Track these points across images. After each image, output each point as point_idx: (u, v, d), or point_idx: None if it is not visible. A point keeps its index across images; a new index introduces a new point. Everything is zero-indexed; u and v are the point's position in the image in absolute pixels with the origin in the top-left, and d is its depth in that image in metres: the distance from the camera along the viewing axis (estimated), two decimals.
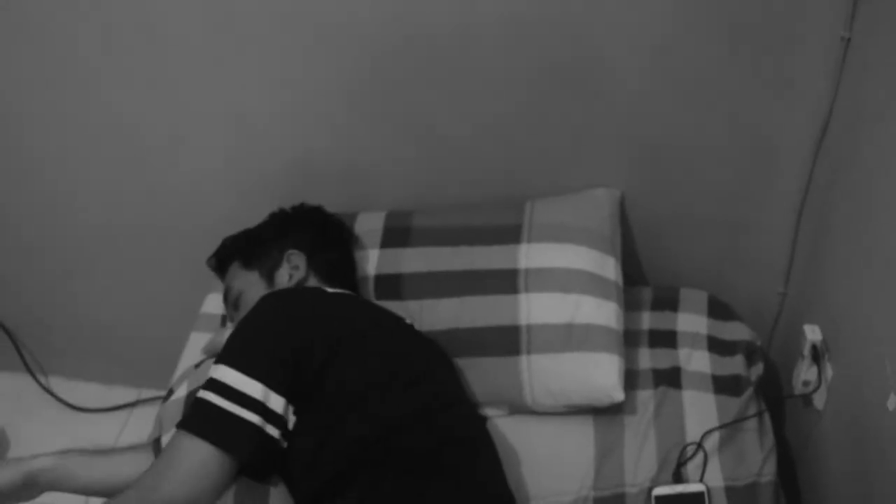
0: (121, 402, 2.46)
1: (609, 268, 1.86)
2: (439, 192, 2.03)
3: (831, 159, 1.86)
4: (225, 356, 1.48)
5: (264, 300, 1.57)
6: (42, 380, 2.52)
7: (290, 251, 1.77)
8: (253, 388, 1.44)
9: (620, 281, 1.87)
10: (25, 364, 2.50)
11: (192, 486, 1.40)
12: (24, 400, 2.49)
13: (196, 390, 1.53)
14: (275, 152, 2.04)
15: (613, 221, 1.94)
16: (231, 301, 1.78)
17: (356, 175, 2.04)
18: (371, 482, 1.43)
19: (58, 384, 2.49)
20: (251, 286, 1.75)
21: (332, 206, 1.93)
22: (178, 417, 1.58)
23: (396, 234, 1.94)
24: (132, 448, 1.66)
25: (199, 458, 1.41)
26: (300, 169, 2.05)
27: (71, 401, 2.46)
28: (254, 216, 1.93)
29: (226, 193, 2.12)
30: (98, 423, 2.42)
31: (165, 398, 1.73)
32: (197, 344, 1.91)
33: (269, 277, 1.76)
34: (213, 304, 2.01)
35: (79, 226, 2.25)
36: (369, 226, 1.97)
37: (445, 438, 1.52)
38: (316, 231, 1.84)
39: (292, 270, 1.75)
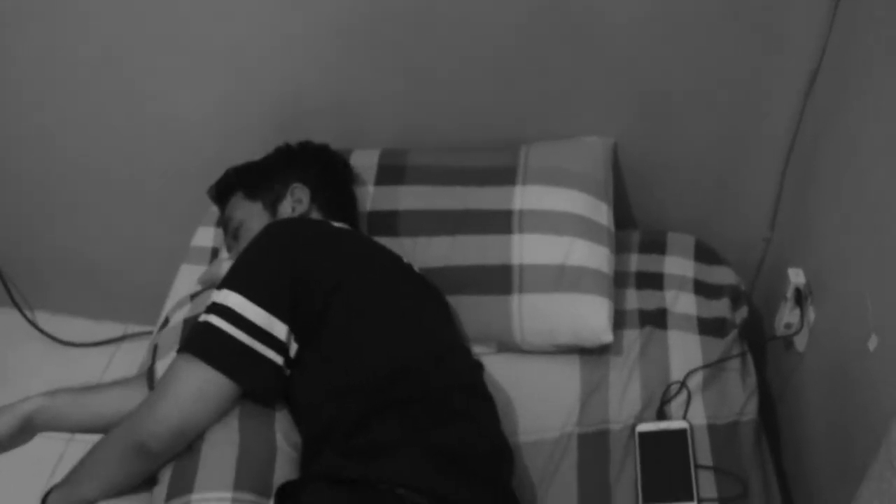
0: (108, 337, 2.46)
1: (602, 213, 1.88)
2: (430, 131, 2.04)
3: (818, 108, 1.87)
4: (229, 281, 1.48)
5: (270, 227, 1.57)
6: (28, 314, 2.52)
7: (295, 185, 1.77)
8: (256, 314, 1.44)
9: (612, 227, 1.89)
10: (12, 298, 2.51)
11: (189, 409, 1.42)
12: (11, 335, 2.49)
13: (196, 316, 1.54)
14: (266, 89, 2.04)
15: (607, 168, 1.96)
16: (231, 231, 1.78)
17: (347, 111, 2.04)
18: (379, 426, 1.42)
19: (44, 319, 2.49)
20: (253, 217, 1.75)
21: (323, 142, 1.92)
22: (174, 344, 1.59)
23: (391, 172, 1.95)
24: (123, 382, 1.66)
25: (198, 380, 1.42)
26: (291, 106, 2.04)
27: (58, 335, 2.47)
28: (245, 153, 1.93)
29: (217, 131, 2.12)
30: (85, 358, 2.43)
31: (161, 327, 1.74)
32: (187, 275, 1.92)
33: (273, 209, 1.76)
34: (204, 237, 2.01)
35: (67, 161, 2.24)
36: (364, 162, 1.98)
37: (451, 383, 1.52)
38: (321, 167, 1.84)
39: (295, 203, 1.76)
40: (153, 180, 2.24)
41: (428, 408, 1.46)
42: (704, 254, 2.01)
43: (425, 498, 1.32)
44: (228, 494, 1.39)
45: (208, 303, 1.48)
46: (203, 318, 1.46)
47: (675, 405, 1.74)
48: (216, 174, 2.10)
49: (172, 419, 1.41)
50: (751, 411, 1.74)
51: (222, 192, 1.85)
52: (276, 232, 1.55)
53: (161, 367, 1.56)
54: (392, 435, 1.41)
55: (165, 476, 1.45)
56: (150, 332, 1.82)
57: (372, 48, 1.94)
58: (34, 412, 1.55)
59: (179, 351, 1.46)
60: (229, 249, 1.80)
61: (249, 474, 1.42)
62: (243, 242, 1.71)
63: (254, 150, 1.98)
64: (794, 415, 1.94)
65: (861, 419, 1.55)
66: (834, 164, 1.81)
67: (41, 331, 2.48)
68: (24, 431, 1.56)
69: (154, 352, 1.65)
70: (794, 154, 1.96)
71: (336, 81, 2.00)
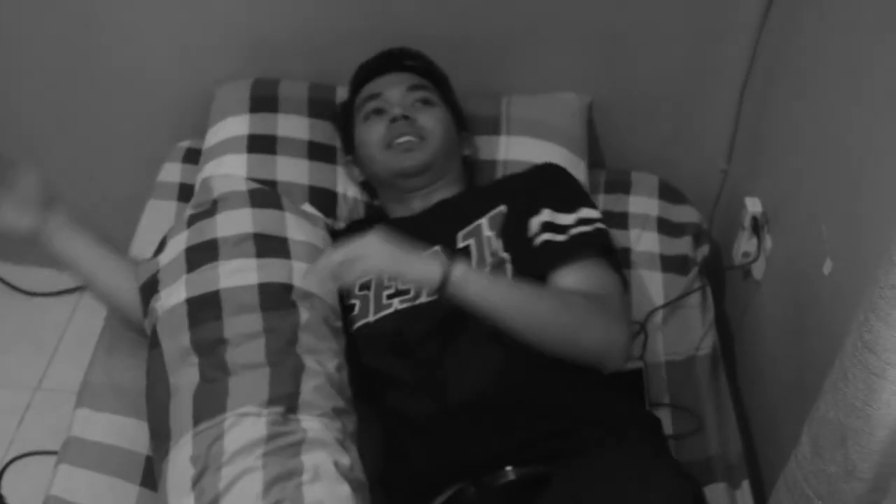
0: (71, 286, 2.45)
1: (580, 170, 1.91)
2: None
3: (771, 40, 1.90)
4: (582, 200, 1.61)
5: (560, 167, 1.74)
6: None
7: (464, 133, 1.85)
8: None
9: (588, 184, 1.91)
10: None
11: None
12: None
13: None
14: (229, 30, 2.02)
15: (584, 126, 1.99)
16: (418, 99, 1.75)
17: (313, 51, 2.03)
18: None
19: (6, 270, 2.47)
20: (444, 117, 1.75)
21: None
22: (179, 275, 1.55)
23: None
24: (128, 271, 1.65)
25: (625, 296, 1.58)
26: (256, 48, 2.03)
27: (20, 285, 2.45)
28: (207, 97, 1.94)
29: (179, 74, 2.10)
30: (47, 307, 2.42)
31: (157, 252, 1.66)
32: (155, 211, 1.90)
33: (457, 130, 1.79)
34: (171, 172, 2.00)
35: (25, 108, 2.21)
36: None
37: None
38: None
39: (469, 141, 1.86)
40: (114, 126, 2.21)
41: None
42: (668, 193, 2.04)
43: None
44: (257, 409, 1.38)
45: (575, 222, 1.56)
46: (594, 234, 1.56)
47: (635, 344, 1.76)
48: (175, 120, 2.11)
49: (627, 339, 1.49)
50: (707, 346, 1.79)
51: (433, 70, 1.83)
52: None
53: (165, 296, 1.53)
54: None
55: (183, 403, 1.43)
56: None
57: None
58: (62, 221, 1.65)
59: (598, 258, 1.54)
60: (400, 116, 1.71)
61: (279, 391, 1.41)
62: (425, 120, 1.71)
63: (213, 95, 1.98)
64: (752, 343, 1.98)
65: (816, 341, 1.59)
66: (787, 95, 1.83)
67: (3, 281, 2.46)
68: (38, 235, 1.62)
69: (155, 282, 1.58)
70: (749, 86, 1.99)
71: (300, 21, 1.99)
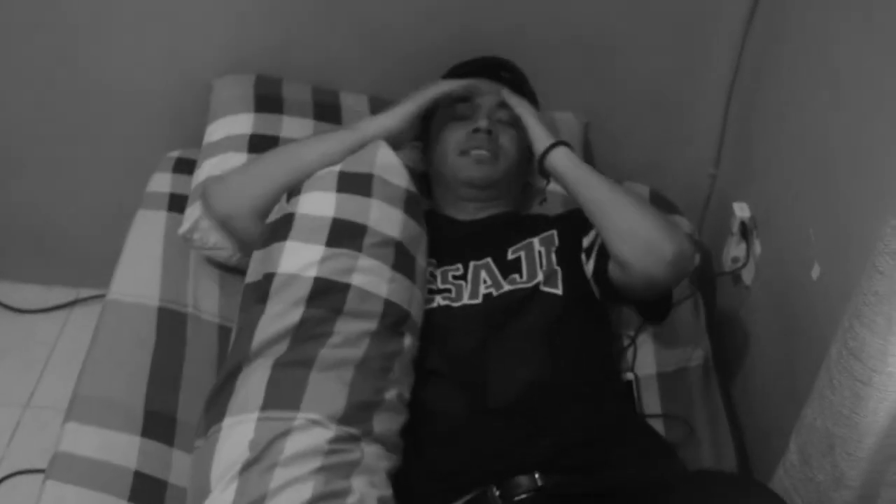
0: (59, 302, 2.44)
1: None
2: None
3: (758, 44, 1.90)
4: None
5: None
6: None
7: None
8: None
9: None
10: None
11: None
12: None
13: None
14: (219, 40, 2.02)
15: (580, 147, 2.00)
16: (503, 118, 1.76)
17: (307, 58, 2.03)
18: None
19: None
20: (522, 140, 1.76)
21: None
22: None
23: None
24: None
25: None
26: (245, 59, 2.02)
27: (8, 303, 2.44)
28: (197, 107, 1.93)
29: (160, 85, 2.09)
30: (36, 324, 2.41)
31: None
32: (144, 221, 1.88)
33: (528, 155, 1.76)
34: (161, 182, 1.97)
35: (9, 125, 2.20)
36: (355, 105, 1.99)
37: None
38: None
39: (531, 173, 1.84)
40: (103, 136, 2.20)
41: None
42: (659, 202, 2.03)
43: None
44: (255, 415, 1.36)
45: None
46: None
47: (627, 357, 1.75)
48: (165, 130, 2.10)
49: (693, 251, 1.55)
50: (699, 355, 1.78)
51: (526, 88, 1.84)
52: None
53: (289, 256, 1.49)
54: None
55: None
56: (103, 296, 1.79)
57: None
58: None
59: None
60: (488, 130, 1.72)
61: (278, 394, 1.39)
62: (504, 139, 1.74)
63: (202, 102, 1.97)
64: (743, 349, 1.98)
65: (805, 345, 1.59)
66: (774, 99, 1.83)
67: None
68: None
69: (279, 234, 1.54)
70: (735, 91, 1.99)
71: (290, 30, 1.99)
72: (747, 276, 1.91)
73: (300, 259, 1.48)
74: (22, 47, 2.05)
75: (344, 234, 1.50)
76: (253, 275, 1.54)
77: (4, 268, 2.48)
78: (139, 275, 1.77)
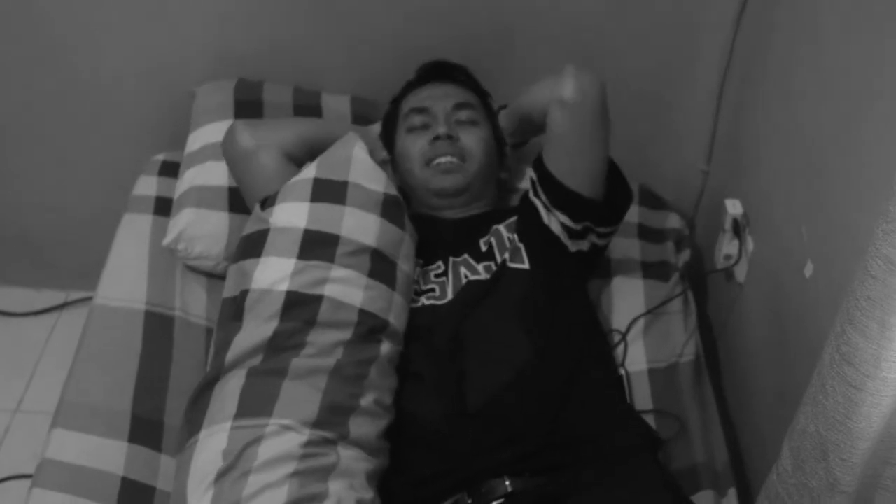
0: (48, 305, 2.43)
1: None
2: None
3: (749, 39, 1.88)
4: None
5: None
6: None
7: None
8: None
9: None
10: None
11: None
12: None
13: None
14: (202, 42, 2.01)
15: None
16: (461, 119, 1.76)
17: (288, 62, 2.02)
18: None
19: None
20: (487, 137, 1.78)
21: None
22: None
23: (363, 122, 1.94)
24: None
25: None
26: (229, 60, 2.01)
27: None
28: (182, 109, 1.92)
29: (152, 87, 2.08)
30: (25, 328, 2.39)
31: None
32: (130, 224, 1.87)
33: (496, 150, 1.80)
34: (146, 185, 1.96)
35: None
36: (336, 106, 1.98)
37: None
38: None
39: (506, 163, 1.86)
40: (88, 140, 2.18)
41: None
42: (649, 199, 2.03)
43: None
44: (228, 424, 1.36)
45: None
46: None
47: (618, 352, 1.75)
48: (151, 133, 2.08)
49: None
50: (690, 352, 1.77)
51: (478, 87, 1.85)
52: None
53: (260, 273, 1.50)
54: None
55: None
56: (92, 299, 1.78)
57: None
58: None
59: None
60: (446, 135, 1.73)
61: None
62: (467, 140, 1.74)
63: (185, 105, 1.96)
64: (735, 346, 1.97)
65: (798, 344, 1.58)
66: (766, 96, 1.82)
67: None
68: None
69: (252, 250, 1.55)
70: (726, 86, 1.98)
71: (274, 32, 1.98)
72: (740, 273, 1.90)
73: (273, 273, 1.49)
74: (7, 53, 2.04)
75: (315, 246, 1.50)
76: (229, 290, 1.54)
77: None
78: (125, 278, 1.77)
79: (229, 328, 1.47)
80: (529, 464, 1.39)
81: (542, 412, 1.45)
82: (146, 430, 1.56)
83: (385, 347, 1.48)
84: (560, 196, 1.61)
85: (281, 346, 1.42)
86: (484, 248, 1.67)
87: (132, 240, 1.84)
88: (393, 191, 1.62)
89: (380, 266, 1.52)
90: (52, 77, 2.07)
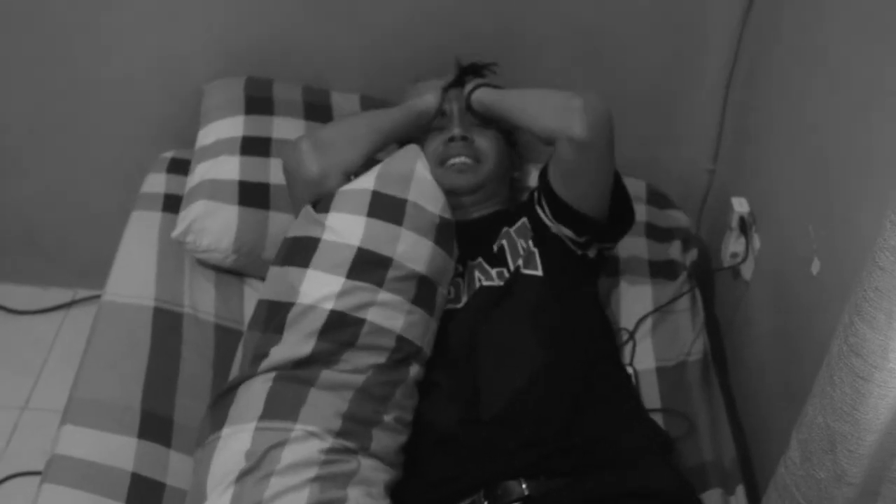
0: (56, 303, 2.43)
1: None
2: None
3: (754, 39, 1.89)
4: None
5: None
6: None
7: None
8: None
9: None
10: None
11: None
12: None
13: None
14: (211, 39, 2.02)
15: None
16: (477, 120, 1.77)
17: (297, 59, 2.02)
18: None
19: None
20: (500, 142, 1.79)
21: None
22: None
23: None
24: None
25: None
26: (238, 57, 2.02)
27: (5, 304, 2.43)
28: (191, 106, 1.93)
29: (161, 84, 2.09)
30: (32, 326, 2.40)
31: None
32: (139, 221, 1.88)
33: (508, 151, 1.82)
34: (155, 183, 1.96)
35: (4, 125, 2.19)
36: (346, 105, 1.98)
37: None
38: None
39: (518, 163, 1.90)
40: (97, 137, 2.19)
41: None
42: (655, 198, 2.03)
43: None
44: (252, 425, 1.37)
45: None
46: None
47: (626, 351, 1.76)
48: (159, 131, 2.09)
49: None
50: (698, 350, 1.78)
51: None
52: None
53: (307, 287, 1.48)
54: None
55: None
56: (100, 297, 1.78)
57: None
58: None
59: None
60: (456, 126, 1.75)
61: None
62: (481, 141, 1.75)
63: (193, 104, 1.97)
64: (743, 344, 1.97)
65: (805, 341, 1.58)
66: (772, 94, 1.82)
67: None
68: None
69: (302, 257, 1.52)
70: (732, 85, 1.98)
71: (284, 29, 1.99)
72: (747, 271, 1.90)
73: (319, 290, 1.46)
74: (16, 50, 2.05)
75: (367, 267, 1.48)
76: (269, 293, 1.52)
77: (0, 269, 2.48)
78: (134, 275, 1.77)
79: (268, 339, 1.45)
80: (545, 466, 1.40)
81: (556, 416, 1.45)
82: (156, 426, 1.56)
83: (413, 370, 1.48)
84: (565, 215, 1.61)
85: (316, 361, 1.42)
86: (496, 250, 1.67)
87: (141, 237, 1.84)
88: (448, 214, 1.60)
89: (424, 292, 1.51)
90: (61, 75, 2.08)
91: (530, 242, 1.64)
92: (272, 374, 1.41)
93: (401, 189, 1.55)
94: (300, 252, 1.51)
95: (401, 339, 1.46)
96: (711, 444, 1.64)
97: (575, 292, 1.62)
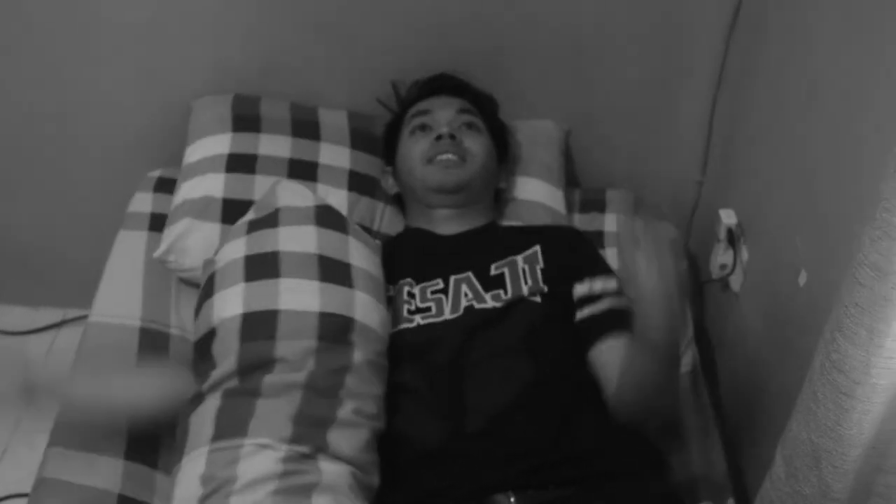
0: (46, 323, 2.43)
1: (558, 199, 1.93)
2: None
3: (741, 52, 1.89)
4: (609, 270, 1.63)
5: (579, 232, 1.83)
6: None
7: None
8: None
9: (564, 209, 1.93)
10: None
11: None
12: None
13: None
14: (198, 58, 2.01)
15: (561, 155, 2.00)
16: (463, 122, 1.78)
17: (283, 77, 2.02)
18: None
19: None
20: (487, 143, 1.79)
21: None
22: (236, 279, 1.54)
23: (362, 137, 1.95)
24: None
25: None
26: (225, 76, 2.01)
27: None
28: (177, 126, 1.93)
29: (142, 105, 2.08)
30: (24, 346, 2.39)
31: (209, 265, 1.63)
32: (125, 242, 1.87)
33: (497, 161, 1.82)
34: (142, 202, 1.96)
35: None
36: (334, 121, 1.98)
37: None
38: None
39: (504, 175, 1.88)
40: (82, 160, 2.19)
41: None
42: (645, 209, 2.02)
43: None
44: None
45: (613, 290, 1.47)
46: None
47: None
48: (147, 150, 2.09)
49: None
50: (687, 363, 1.77)
51: (483, 100, 1.87)
52: None
53: (219, 302, 1.51)
54: None
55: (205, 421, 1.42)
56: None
57: (295, 13, 1.93)
58: None
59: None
60: (448, 135, 1.74)
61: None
62: (469, 142, 1.75)
63: (183, 122, 1.96)
64: (732, 356, 1.97)
65: (794, 352, 1.57)
66: (759, 106, 1.83)
67: None
68: None
69: (212, 283, 1.57)
70: (720, 97, 1.98)
71: (270, 48, 1.99)
72: (735, 283, 1.90)
73: (227, 304, 1.50)
74: (2, 69, 2.04)
75: (260, 269, 1.52)
76: (197, 334, 1.55)
77: None
78: (120, 296, 1.77)
79: (206, 367, 1.47)
80: (533, 479, 1.39)
81: (543, 432, 1.44)
82: (142, 446, 1.55)
83: (359, 353, 1.47)
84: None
85: (251, 365, 1.43)
86: (494, 273, 1.65)
87: (127, 257, 1.84)
88: (323, 201, 1.65)
89: (330, 269, 1.53)
90: (48, 94, 2.08)
91: (539, 276, 1.63)
92: (220, 393, 1.41)
93: (270, 207, 1.63)
94: (206, 289, 1.56)
95: (323, 315, 1.46)
96: (701, 456, 1.64)
97: (567, 310, 1.61)
